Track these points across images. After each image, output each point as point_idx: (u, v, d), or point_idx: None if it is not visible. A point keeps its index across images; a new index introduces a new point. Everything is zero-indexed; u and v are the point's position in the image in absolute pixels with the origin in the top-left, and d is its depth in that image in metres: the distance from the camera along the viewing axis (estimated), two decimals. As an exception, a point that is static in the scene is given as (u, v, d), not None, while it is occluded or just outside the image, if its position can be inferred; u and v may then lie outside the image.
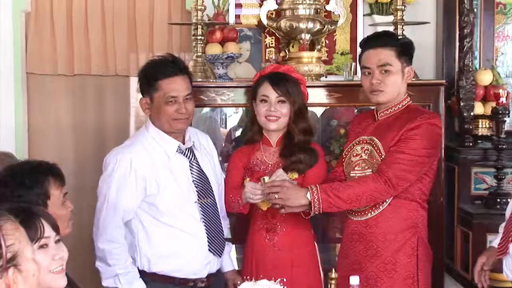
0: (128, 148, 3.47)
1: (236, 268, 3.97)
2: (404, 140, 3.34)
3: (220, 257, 3.54)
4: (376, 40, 3.49)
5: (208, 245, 3.46)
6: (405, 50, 3.46)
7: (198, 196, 3.48)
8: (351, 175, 3.49)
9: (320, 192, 3.33)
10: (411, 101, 3.51)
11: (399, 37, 3.62)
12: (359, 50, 4.84)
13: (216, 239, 3.49)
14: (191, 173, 3.49)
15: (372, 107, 3.67)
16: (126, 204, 3.38)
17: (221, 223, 3.57)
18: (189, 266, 3.43)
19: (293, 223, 3.60)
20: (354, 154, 3.50)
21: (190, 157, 3.51)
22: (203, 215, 3.47)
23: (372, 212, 3.39)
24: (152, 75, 3.44)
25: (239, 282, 2.82)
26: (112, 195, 3.37)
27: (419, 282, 3.39)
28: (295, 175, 3.61)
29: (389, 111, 3.46)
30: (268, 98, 3.64)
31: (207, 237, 3.46)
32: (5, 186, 2.64)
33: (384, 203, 3.38)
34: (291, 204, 3.39)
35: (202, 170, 3.54)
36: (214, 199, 3.56)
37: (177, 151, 3.47)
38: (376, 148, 3.41)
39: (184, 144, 3.51)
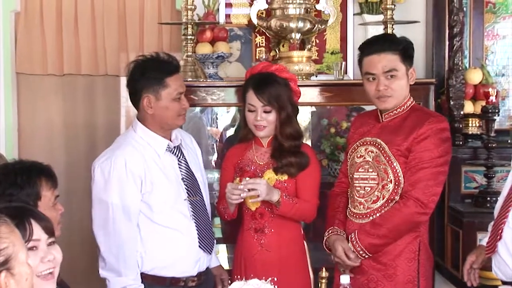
0: (118, 150, 3.44)
1: (227, 266, 3.97)
2: (419, 154, 3.30)
3: (210, 254, 3.54)
4: (379, 45, 3.40)
5: (199, 242, 3.45)
6: (407, 52, 3.41)
7: (188, 194, 3.48)
8: (355, 176, 3.45)
9: (360, 241, 3.32)
10: (414, 102, 3.48)
11: (400, 39, 3.52)
12: (349, 49, 4.91)
13: (206, 236, 3.50)
14: (180, 171, 3.49)
15: (364, 106, 3.65)
16: (132, 205, 3.35)
17: (210, 221, 3.59)
18: (180, 263, 3.42)
19: (282, 223, 3.59)
20: (358, 155, 3.45)
21: (178, 155, 3.52)
22: (193, 212, 3.47)
23: (374, 215, 3.36)
24: (159, 72, 3.41)
25: (228, 279, 2.82)
26: (115, 199, 3.34)
27: (420, 287, 3.37)
28: (285, 177, 3.60)
29: (393, 112, 3.41)
30: (254, 107, 3.60)
31: (198, 234, 3.46)
32: None
33: (386, 207, 3.35)
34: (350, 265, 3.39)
35: (190, 168, 3.55)
36: (202, 196, 3.56)
37: (166, 149, 3.47)
38: (383, 151, 3.36)
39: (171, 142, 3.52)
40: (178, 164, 3.50)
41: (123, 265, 3.34)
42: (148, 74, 3.41)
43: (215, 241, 3.64)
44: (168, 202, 3.42)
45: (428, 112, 3.56)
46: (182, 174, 3.49)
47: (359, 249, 3.33)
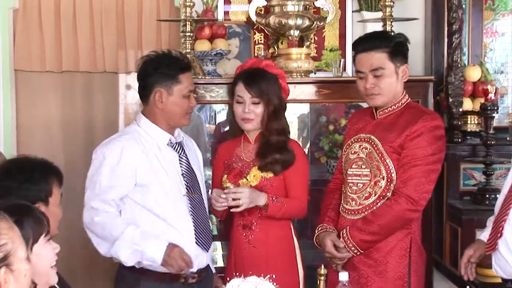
0: (118, 138, 3.47)
1: (221, 263, 3.96)
2: (412, 151, 3.30)
3: (207, 251, 3.53)
4: (368, 43, 3.42)
5: (196, 239, 3.44)
6: (399, 50, 3.40)
7: (187, 190, 3.48)
8: (349, 172, 3.46)
9: (352, 238, 3.32)
10: (410, 99, 3.48)
11: (392, 36, 3.51)
12: (348, 46, 4.91)
13: (203, 234, 3.49)
14: (181, 166, 3.50)
15: (362, 104, 3.65)
16: (118, 191, 3.36)
17: (208, 219, 3.58)
18: None
19: (269, 221, 3.58)
20: (352, 152, 3.46)
21: (180, 151, 3.52)
22: (192, 209, 3.46)
23: (366, 212, 3.36)
24: (173, 68, 3.44)
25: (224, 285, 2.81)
26: (104, 181, 3.35)
27: (411, 283, 3.36)
28: (270, 174, 3.60)
29: (388, 110, 3.42)
30: (242, 98, 3.60)
31: (195, 231, 3.45)
32: (12, 179, 2.65)
33: (378, 204, 3.35)
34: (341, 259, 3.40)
35: (191, 165, 3.55)
36: (201, 194, 3.57)
37: (167, 144, 3.48)
38: (376, 148, 3.36)
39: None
40: (179, 159, 3.50)
41: (112, 228, 3.34)
42: (162, 69, 3.44)
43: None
44: (167, 197, 3.41)
45: (423, 110, 3.55)
46: (182, 170, 3.49)
47: (350, 245, 3.33)
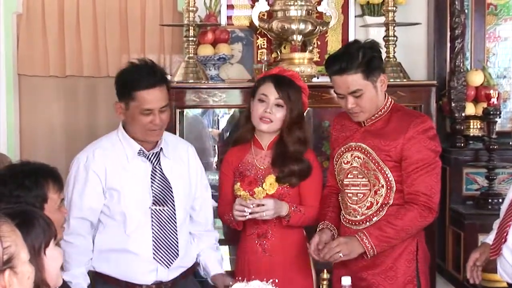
0: (89, 147, 3.47)
1: (229, 268, 3.95)
2: (415, 159, 3.28)
3: (169, 267, 3.41)
4: (339, 65, 3.30)
5: (153, 253, 3.37)
6: (372, 65, 3.31)
7: (154, 203, 3.39)
8: (345, 182, 3.43)
9: (371, 238, 3.26)
10: (393, 101, 3.45)
11: (362, 52, 3.31)
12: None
13: (165, 248, 3.40)
14: (152, 178, 3.41)
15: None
16: (89, 203, 3.35)
17: (176, 234, 3.45)
18: (130, 270, 3.37)
19: (285, 228, 3.56)
20: (345, 162, 3.43)
21: (154, 162, 3.44)
22: (155, 222, 3.39)
23: (370, 221, 3.34)
24: (129, 84, 3.32)
25: (231, 283, 2.81)
26: (75, 196, 3.36)
27: (420, 286, 3.38)
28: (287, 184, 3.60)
29: (374, 116, 3.38)
30: (267, 98, 3.54)
31: (153, 245, 3.37)
32: (4, 185, 2.64)
33: (381, 212, 3.35)
34: (353, 256, 3.32)
35: (166, 177, 3.45)
36: (174, 208, 3.45)
37: (139, 154, 3.40)
38: (370, 157, 3.34)
39: (152, 148, 3.44)
40: (152, 171, 3.42)
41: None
42: (123, 82, 3.37)
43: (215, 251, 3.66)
44: (128, 207, 3.36)
45: (409, 113, 3.50)
46: (151, 182, 3.41)
47: (367, 244, 3.25)
